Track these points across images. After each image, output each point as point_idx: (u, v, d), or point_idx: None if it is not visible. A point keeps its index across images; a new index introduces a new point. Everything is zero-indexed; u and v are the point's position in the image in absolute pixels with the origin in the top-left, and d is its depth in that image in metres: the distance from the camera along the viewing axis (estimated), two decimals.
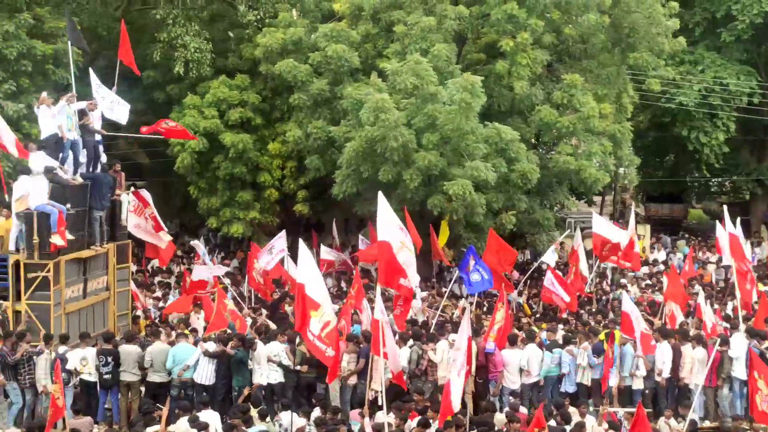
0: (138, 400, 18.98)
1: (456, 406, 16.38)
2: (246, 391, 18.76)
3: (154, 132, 24.33)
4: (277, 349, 19.34)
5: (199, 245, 27.45)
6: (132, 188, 25.15)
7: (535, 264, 29.76)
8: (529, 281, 28.92)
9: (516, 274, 29.77)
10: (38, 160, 19.98)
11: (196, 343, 19.60)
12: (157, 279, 30.20)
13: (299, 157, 31.34)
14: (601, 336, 20.49)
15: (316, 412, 17.21)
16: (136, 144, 36.45)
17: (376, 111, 26.14)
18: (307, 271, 17.14)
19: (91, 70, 24.10)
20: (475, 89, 26.16)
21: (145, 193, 24.54)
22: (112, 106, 23.56)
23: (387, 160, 26.74)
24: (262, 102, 32.09)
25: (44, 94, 21.87)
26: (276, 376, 19.32)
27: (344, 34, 29.89)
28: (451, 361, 16.29)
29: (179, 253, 33.71)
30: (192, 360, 19.07)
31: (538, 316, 26.08)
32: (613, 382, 19.83)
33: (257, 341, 19.43)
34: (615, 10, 30.06)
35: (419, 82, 26.71)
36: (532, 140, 31.16)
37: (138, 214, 23.98)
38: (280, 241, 26.41)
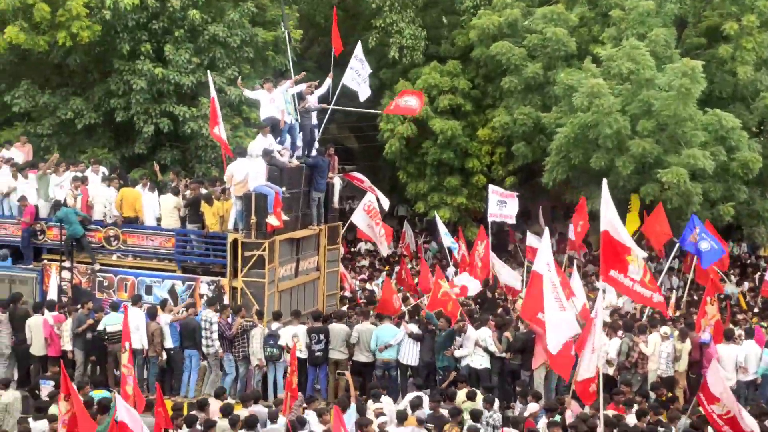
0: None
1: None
2: (451, 375, 18.80)
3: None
4: (485, 334, 19.24)
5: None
6: (343, 171, 25.66)
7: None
8: (746, 275, 27.62)
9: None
10: (259, 143, 20.67)
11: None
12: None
13: (509, 143, 31.10)
14: None
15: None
16: (346, 129, 37.27)
17: (591, 96, 25.72)
18: (544, 259, 16.68)
19: (359, 44, 25.03)
20: (695, 74, 25.35)
21: (358, 175, 24.99)
22: (360, 80, 24.43)
23: (599, 147, 26.22)
24: (472, 89, 32.06)
25: (239, 79, 23.00)
26: (482, 362, 19.24)
27: (563, 17, 29.58)
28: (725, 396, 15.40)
29: None
30: (395, 340, 19.26)
31: (756, 311, 24.87)
32: None
33: (468, 325, 19.43)
34: None
35: (635, 67, 26.04)
36: (755, 128, 29.76)
37: (370, 215, 24.47)
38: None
